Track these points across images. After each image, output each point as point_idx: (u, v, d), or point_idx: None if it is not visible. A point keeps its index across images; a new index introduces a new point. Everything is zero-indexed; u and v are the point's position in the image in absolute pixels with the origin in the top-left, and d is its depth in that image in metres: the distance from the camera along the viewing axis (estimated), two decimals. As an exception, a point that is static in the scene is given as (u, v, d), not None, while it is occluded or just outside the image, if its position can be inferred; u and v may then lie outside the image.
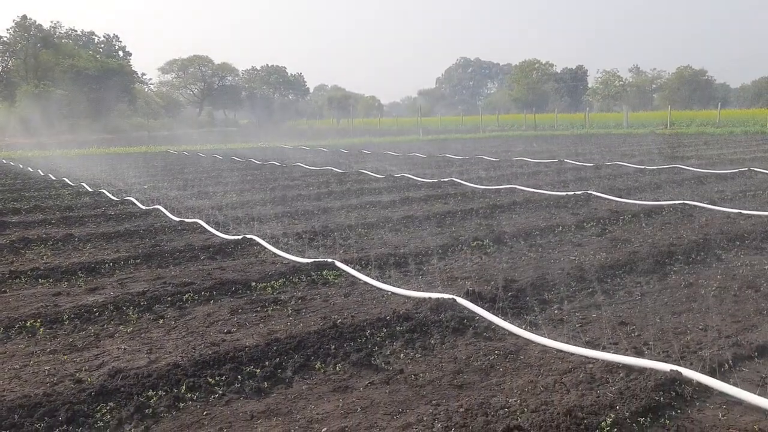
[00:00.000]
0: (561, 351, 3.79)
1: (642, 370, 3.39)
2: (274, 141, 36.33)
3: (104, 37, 76.75)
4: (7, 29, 59.88)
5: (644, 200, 9.51)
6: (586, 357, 3.67)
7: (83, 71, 55.06)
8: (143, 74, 77.05)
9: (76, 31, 73.14)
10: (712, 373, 3.31)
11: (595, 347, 3.80)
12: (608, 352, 3.70)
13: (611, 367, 3.51)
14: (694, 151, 20.10)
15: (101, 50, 72.28)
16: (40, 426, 2.95)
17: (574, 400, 3.09)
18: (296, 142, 35.18)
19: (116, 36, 77.52)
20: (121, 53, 75.88)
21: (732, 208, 8.48)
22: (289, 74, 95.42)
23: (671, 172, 13.38)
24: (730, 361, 3.48)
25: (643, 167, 14.58)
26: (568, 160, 17.21)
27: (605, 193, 10.14)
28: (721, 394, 3.13)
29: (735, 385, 3.18)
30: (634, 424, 2.85)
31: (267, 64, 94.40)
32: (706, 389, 3.18)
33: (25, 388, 3.41)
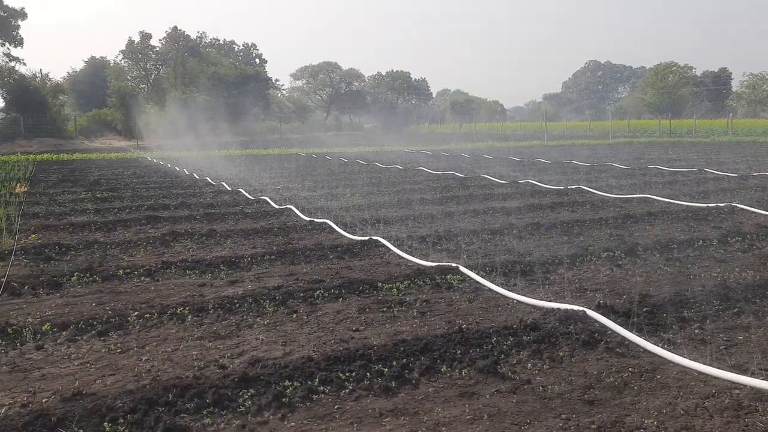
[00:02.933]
0: (703, 373, 3.57)
1: (798, 401, 3.11)
2: (397, 145, 36.90)
3: (243, 45, 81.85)
4: (160, 40, 65.40)
5: (799, 215, 8.66)
6: (732, 382, 3.43)
7: (224, 78, 59.04)
8: (277, 80, 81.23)
9: (219, 40, 78.64)
10: None
11: (743, 372, 3.54)
12: (758, 378, 3.42)
13: (762, 395, 3.25)
14: None
15: (240, 58, 77.11)
16: (190, 406, 3.23)
17: (719, 427, 2.90)
18: (418, 146, 35.50)
19: (254, 44, 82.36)
20: (257, 61, 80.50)
21: None
22: (412, 79, 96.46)
23: (832, 185, 12.07)
24: None
25: (797, 179, 13.27)
26: (709, 170, 16.03)
27: (752, 206, 9.35)
28: None
29: None
30: (788, 459, 2.63)
31: (392, 70, 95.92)
32: None
33: (177, 370, 3.74)
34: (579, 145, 33.33)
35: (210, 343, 4.23)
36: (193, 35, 67.99)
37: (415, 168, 19.24)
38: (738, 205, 9.45)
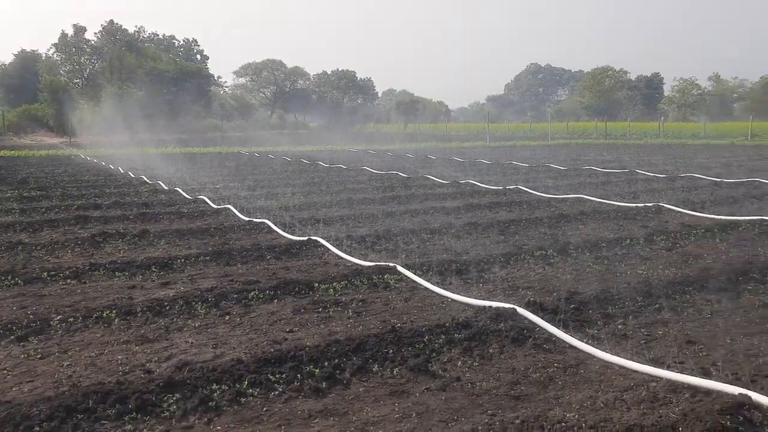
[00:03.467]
0: (623, 367, 3.70)
1: (708, 392, 3.27)
2: (342, 144, 36.84)
3: (184, 41, 79.96)
4: (95, 33, 63.23)
5: (719, 215, 9.11)
6: (650, 375, 3.57)
7: (163, 74, 57.55)
8: (219, 77, 79.75)
9: (158, 35, 76.59)
10: (785, 400, 3.16)
11: (660, 365, 3.69)
12: (673, 371, 3.58)
13: (675, 387, 3.39)
14: (777, 164, 19.05)
15: (180, 54, 75.32)
16: (111, 412, 3.13)
17: (634, 419, 3.02)
18: (363, 145, 35.55)
19: (195, 40, 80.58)
20: (198, 57, 78.81)
21: (817, 225, 8.00)
22: (358, 79, 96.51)
23: (750, 186, 12.75)
24: (807, 388, 3.30)
25: (719, 180, 13.96)
26: (640, 171, 16.67)
27: (678, 206, 9.77)
28: (795, 422, 2.98)
29: (811, 413, 3.02)
30: (697, 448, 2.76)
31: (337, 69, 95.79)
32: (778, 416, 3.03)
33: (99, 376, 3.62)
34: (519, 147, 34.10)
35: (137, 347, 4.11)
36: (131, 29, 66.04)
37: (358, 167, 19.26)
38: (665, 205, 9.86)
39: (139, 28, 69.91)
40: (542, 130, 52.22)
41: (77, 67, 63.13)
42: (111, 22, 62.44)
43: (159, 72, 57.31)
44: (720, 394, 3.20)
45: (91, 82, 60.81)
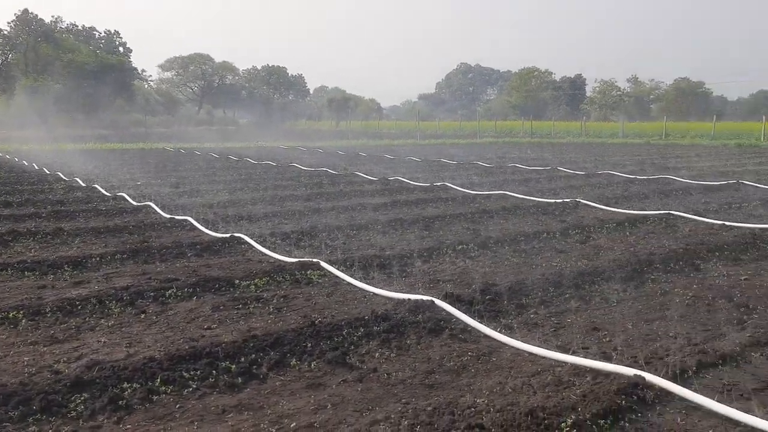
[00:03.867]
0: (532, 354, 3.87)
1: (608, 375, 3.47)
2: (272, 141, 36.40)
3: (105, 33, 76.73)
4: (8, 22, 59.86)
5: (631, 209, 9.60)
6: (556, 360, 3.75)
7: (82, 66, 55.09)
8: (143, 71, 77.12)
9: (77, 26, 73.17)
10: (675, 379, 3.39)
11: (566, 351, 3.88)
12: (577, 356, 3.77)
13: (579, 371, 3.58)
14: (686, 162, 20.23)
15: (101, 46, 72.29)
16: (14, 414, 3.02)
17: (538, 401, 3.16)
18: (294, 142, 35.26)
19: (117, 32, 77.44)
20: (121, 49, 75.85)
21: (716, 219, 8.57)
22: (289, 75, 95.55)
23: (661, 183, 13.49)
24: (694, 368, 3.56)
25: (633, 177, 14.69)
26: (561, 168, 17.32)
27: (593, 202, 10.23)
28: (682, 399, 3.21)
29: (696, 391, 3.26)
30: (594, 426, 2.93)
31: (268, 65, 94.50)
32: (668, 394, 3.25)
33: (3, 378, 3.47)
34: (449, 145, 34.70)
35: (45, 348, 3.96)
36: (47, 19, 62.89)
37: (287, 164, 19.11)
38: (581, 201, 10.29)
39: (56, 18, 66.68)
40: (472, 128, 53.33)
41: (-12, 57, 59.64)
42: (25, 11, 59.26)
43: (78, 64, 54.84)
44: (618, 376, 3.41)
45: (3, 74, 57.53)
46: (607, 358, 3.76)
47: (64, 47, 58.66)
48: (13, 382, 3.35)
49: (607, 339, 4.15)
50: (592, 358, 3.72)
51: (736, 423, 2.99)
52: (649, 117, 73.68)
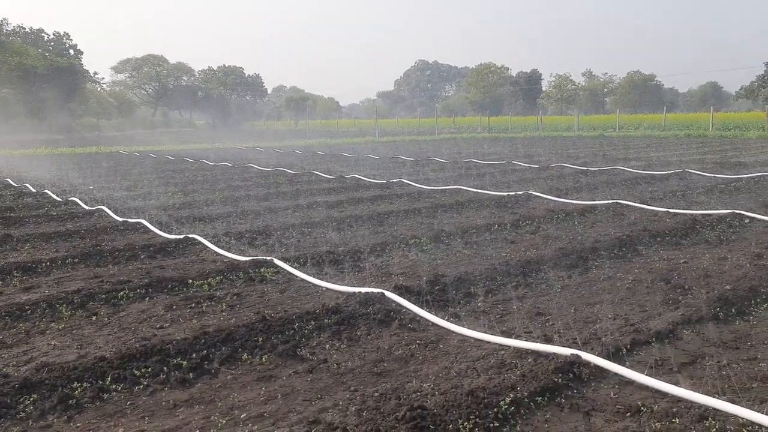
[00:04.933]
0: (478, 340, 4.02)
1: (547, 356, 3.63)
2: (230, 142, 36.06)
3: (54, 34, 74.63)
4: (-50, 25, 57.80)
5: (580, 200, 9.90)
6: (500, 344, 3.90)
7: (31, 69, 53.55)
8: (95, 73, 75.26)
9: (24, 28, 70.96)
10: (609, 357, 3.58)
11: (510, 336, 4.04)
12: (520, 339, 3.94)
13: (522, 354, 3.74)
14: (635, 153, 20.85)
15: (51, 48, 70.32)
16: (-39, 418, 3.02)
17: (481, 383, 3.31)
18: (252, 143, 34.99)
19: (67, 34, 75.37)
20: (71, 51, 73.90)
21: (661, 207, 8.92)
22: (246, 75, 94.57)
23: (611, 174, 13.91)
24: (629, 346, 3.75)
25: (585, 169, 15.09)
26: (516, 162, 17.66)
27: (545, 193, 10.51)
28: (616, 375, 3.40)
29: (629, 367, 3.45)
30: (531, 403, 3.08)
31: (224, 65, 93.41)
32: (603, 371, 3.44)
33: (-50, 384, 3.45)
34: (408, 142, 34.93)
35: (-7, 353, 3.94)
36: (-7, 21, 60.83)
37: (244, 165, 19.00)
38: (533, 193, 10.56)
39: (1, 21, 64.52)
40: (430, 125, 53.76)
41: (-71, 61, 57.40)
42: (-32, 12, 57.22)
43: (26, 68, 53.26)
44: (556, 356, 3.57)
45: (-54, 79, 55.48)
46: (548, 341, 3.94)
47: (11, 50, 56.88)
48: (-41, 387, 3.33)
49: (550, 323, 4.33)
50: (533, 341, 3.88)
51: (665, 394, 3.18)
52: (604, 110, 75.50)
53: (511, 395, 3.10)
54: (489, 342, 3.97)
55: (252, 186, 13.16)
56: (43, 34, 73.59)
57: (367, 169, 16.91)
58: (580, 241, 6.89)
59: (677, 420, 2.90)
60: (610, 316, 4.41)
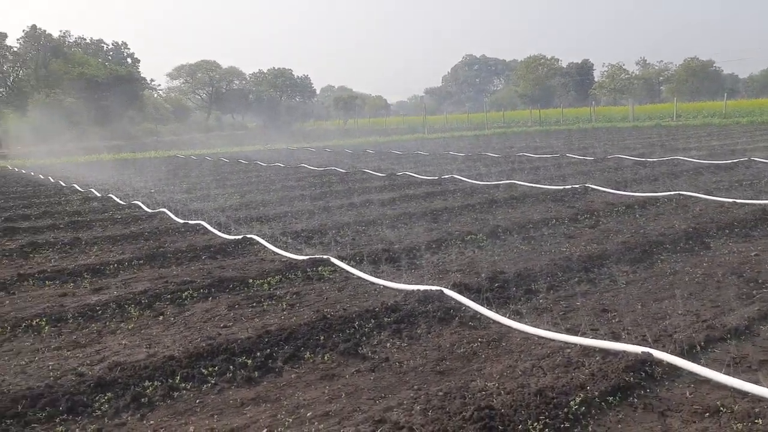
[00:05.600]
0: (542, 337, 3.94)
1: (616, 354, 3.52)
2: (281, 143, 36.60)
3: (113, 44, 77.42)
4: (18, 40, 60.59)
5: (641, 192, 9.60)
6: (565, 342, 3.81)
7: (93, 79, 55.68)
8: (152, 80, 77.65)
9: (85, 39, 73.87)
10: (683, 355, 3.44)
11: (575, 333, 3.94)
12: (587, 337, 3.83)
13: (588, 352, 3.64)
14: (696, 142, 20.10)
15: (110, 58, 72.95)
16: (42, 415, 3.14)
17: (548, 382, 3.23)
18: (302, 143, 35.43)
19: (125, 43, 78.17)
20: (129, 60, 76.50)
21: (727, 197, 8.56)
22: (295, 76, 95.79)
23: (671, 164, 13.44)
24: (702, 343, 3.60)
25: (644, 160, 14.63)
26: (570, 155, 17.29)
27: (603, 186, 10.24)
28: (691, 374, 3.26)
29: (705, 365, 3.31)
30: (602, 403, 2.99)
31: (274, 67, 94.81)
32: (677, 370, 3.31)
33: (29, 382, 3.60)
34: (457, 137, 34.68)
35: (68, 353, 4.09)
36: (55, 34, 63.54)
37: (296, 165, 19.24)
38: (591, 186, 10.30)
39: (64, 33, 67.29)
40: (479, 120, 53.24)
41: (0, 75, 60.38)
42: (33, 27, 59.92)
43: (88, 77, 55.41)
44: (626, 354, 3.46)
45: (15, 91, 58.28)
46: (616, 338, 3.82)
47: (74, 61, 59.30)
48: (39, 386, 3.48)
49: (617, 320, 4.20)
50: (600, 339, 3.77)
51: (745, 394, 3.03)
52: (660, 99, 73.12)
53: (581, 395, 3.02)
54: (553, 340, 3.88)
55: (305, 186, 13.31)
56: (102, 45, 76.45)
57: (418, 165, 16.86)
58: (643, 234, 6.67)
59: (760, 421, 2.76)
60: (680, 312, 4.24)
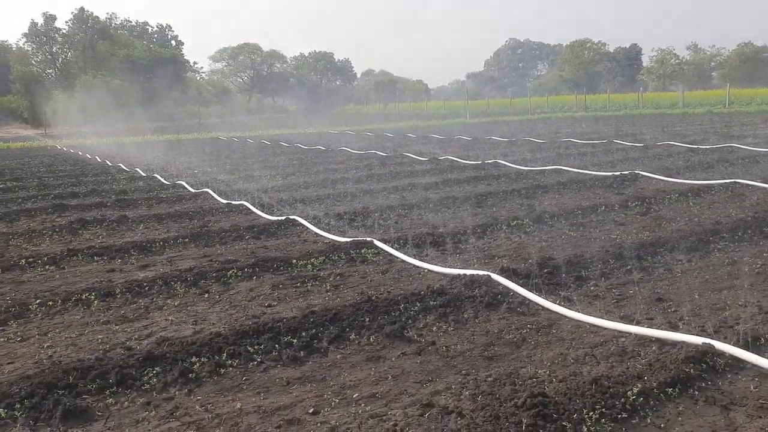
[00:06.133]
0: (594, 325, 3.81)
1: (674, 344, 3.38)
2: (321, 126, 36.68)
3: (157, 27, 78.67)
4: (66, 22, 62.01)
5: (693, 179, 9.26)
6: (619, 331, 3.68)
7: (138, 61, 56.72)
8: (195, 63, 78.81)
9: (130, 21, 75.26)
10: (746, 347, 3.28)
11: (629, 322, 3.80)
12: (641, 326, 3.69)
13: (644, 341, 3.50)
14: (751, 129, 19.31)
15: (155, 40, 74.16)
16: (92, 387, 3.17)
17: (602, 371, 3.12)
18: (343, 127, 35.43)
19: (169, 26, 79.35)
20: (173, 42, 77.64)
21: (786, 186, 8.18)
22: (336, 60, 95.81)
23: (725, 152, 12.94)
24: (767, 336, 3.43)
25: (695, 147, 14.13)
26: (618, 141, 16.83)
27: (653, 173, 9.91)
28: (755, 367, 3.10)
29: (770, 359, 3.14)
30: (661, 394, 2.86)
31: (314, 51, 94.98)
32: (740, 362, 3.15)
33: (80, 354, 3.65)
34: (500, 122, 34.18)
35: (117, 327, 4.14)
36: (102, 16, 64.81)
37: (337, 148, 19.23)
38: (640, 173, 9.99)
39: (110, 15, 68.64)
40: (523, 105, 52.37)
41: (49, 56, 62.00)
42: (81, 9, 61.20)
43: (133, 59, 56.49)
44: (685, 345, 3.31)
45: (64, 72, 59.80)
46: (674, 328, 3.67)
47: (120, 43, 60.47)
48: (89, 358, 3.52)
49: (673, 309, 4.04)
50: (657, 328, 3.62)
51: (814, 391, 2.87)
52: (711, 85, 70.65)
53: (639, 385, 2.89)
54: (606, 328, 3.75)
55: (347, 168, 13.27)
56: (147, 27, 77.75)
57: (460, 150, 16.65)
58: (698, 222, 6.42)
59: (834, 420, 2.60)
60: (740, 303, 4.05)
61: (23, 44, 62.31)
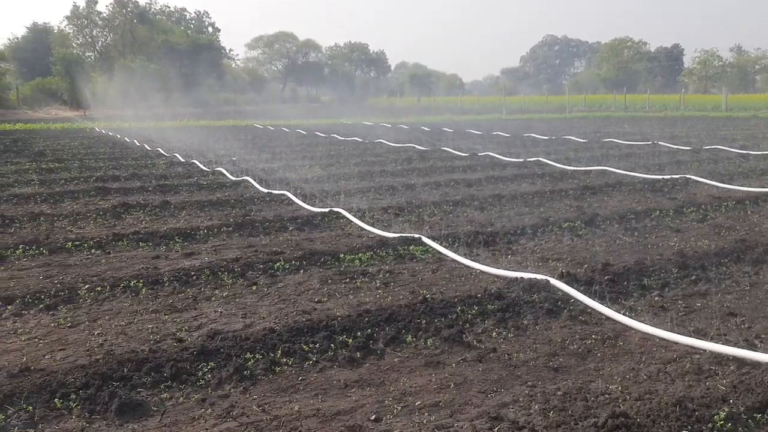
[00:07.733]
0: (664, 339, 3.60)
1: (756, 364, 3.17)
2: (355, 117, 36.57)
3: (195, 13, 79.23)
4: (107, 6, 62.93)
5: (749, 186, 8.90)
6: (692, 347, 3.47)
7: (176, 46, 57.28)
8: (231, 50, 79.31)
9: (169, 7, 75.97)
10: (837, 373, 3.05)
11: (702, 337, 3.59)
12: (717, 342, 3.48)
13: (720, 359, 3.30)
14: (803, 136, 18.63)
15: (192, 26, 74.77)
16: (147, 380, 3.09)
17: (681, 391, 2.93)
18: (377, 119, 35.27)
19: (206, 12, 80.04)
20: (210, 29, 78.18)
21: None
22: (371, 51, 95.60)
23: (779, 158, 12.46)
24: None
25: (746, 152, 13.65)
26: (663, 143, 16.37)
27: (705, 178, 9.56)
28: None
29: None
30: (750, 420, 2.67)
31: (350, 41, 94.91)
32: (832, 389, 2.93)
33: (131, 344, 3.58)
34: (537, 119, 33.65)
35: (166, 316, 4.07)
36: (142, 1, 65.54)
37: (374, 140, 19.08)
38: (692, 177, 9.65)
39: (150, 0, 69.41)
40: (559, 102, 51.53)
41: (89, 39, 62.98)
42: (122, -6, 61.99)
43: (171, 45, 57.07)
44: (769, 367, 3.10)
45: (104, 55, 60.71)
46: (751, 346, 3.45)
47: (158, 28, 61.16)
48: (142, 349, 3.45)
49: (746, 325, 3.81)
50: (734, 346, 3.41)
51: None
52: (754, 89, 68.76)
53: (726, 409, 2.70)
54: (678, 342, 3.54)
55: (386, 161, 13.12)
56: (185, 13, 78.38)
57: (500, 147, 16.36)
58: (761, 232, 6.13)
59: None
60: (821, 322, 3.81)
61: (65, 27, 63.38)
